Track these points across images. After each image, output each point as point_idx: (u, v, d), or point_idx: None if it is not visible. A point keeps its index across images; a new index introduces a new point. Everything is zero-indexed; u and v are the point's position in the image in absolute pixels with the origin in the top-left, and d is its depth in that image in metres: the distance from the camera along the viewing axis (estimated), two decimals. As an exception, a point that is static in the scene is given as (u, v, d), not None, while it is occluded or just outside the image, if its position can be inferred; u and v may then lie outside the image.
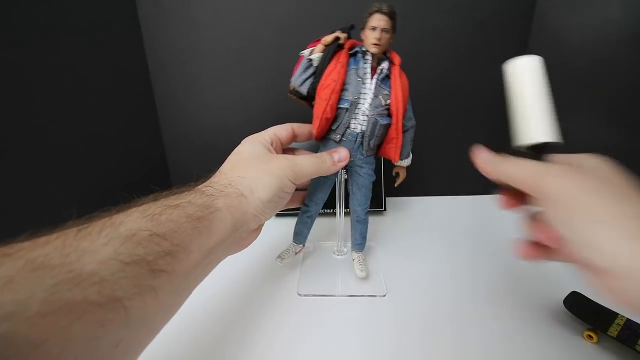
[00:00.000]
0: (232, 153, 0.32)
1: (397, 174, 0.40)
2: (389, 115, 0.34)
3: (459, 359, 0.31)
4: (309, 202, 0.39)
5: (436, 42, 0.56)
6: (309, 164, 0.32)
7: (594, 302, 0.35)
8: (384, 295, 0.39)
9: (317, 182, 0.38)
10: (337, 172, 0.37)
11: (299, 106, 0.38)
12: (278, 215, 0.57)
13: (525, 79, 0.27)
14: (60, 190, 0.51)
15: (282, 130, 0.35)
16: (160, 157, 0.62)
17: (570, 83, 0.49)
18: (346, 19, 0.35)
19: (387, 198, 0.59)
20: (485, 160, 0.28)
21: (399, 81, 0.33)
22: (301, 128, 0.37)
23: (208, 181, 0.29)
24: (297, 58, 0.35)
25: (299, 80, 0.34)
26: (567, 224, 0.21)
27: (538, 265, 0.41)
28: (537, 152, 0.26)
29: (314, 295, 0.39)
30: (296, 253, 0.42)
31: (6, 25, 0.35)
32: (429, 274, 0.43)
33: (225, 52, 0.53)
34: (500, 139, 0.61)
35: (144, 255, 0.19)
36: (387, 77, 0.34)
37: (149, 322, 0.20)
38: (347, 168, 0.38)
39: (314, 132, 0.35)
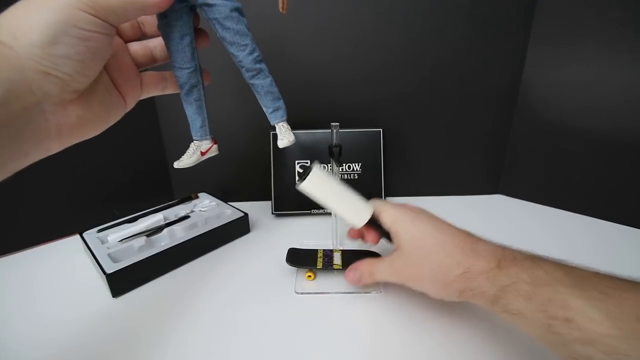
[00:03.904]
0: None
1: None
2: None
3: (454, 354, 0.31)
4: (173, 69, 0.31)
5: (435, 42, 0.56)
6: None
7: (301, 250, 0.44)
8: (381, 292, 0.39)
9: (166, 33, 0.30)
10: (182, 17, 0.29)
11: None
12: (278, 215, 0.57)
13: (320, 189, 0.35)
14: (61, 189, 0.52)
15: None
16: (160, 157, 0.62)
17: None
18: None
19: (387, 198, 0.59)
20: (358, 278, 0.37)
21: None
22: None
23: None
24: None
25: None
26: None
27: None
28: (372, 222, 0.36)
29: (311, 293, 0.39)
30: (203, 153, 0.34)
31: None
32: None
33: (225, 51, 0.54)
34: (500, 138, 0.61)
35: None
36: None
37: None
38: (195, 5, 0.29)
39: None
